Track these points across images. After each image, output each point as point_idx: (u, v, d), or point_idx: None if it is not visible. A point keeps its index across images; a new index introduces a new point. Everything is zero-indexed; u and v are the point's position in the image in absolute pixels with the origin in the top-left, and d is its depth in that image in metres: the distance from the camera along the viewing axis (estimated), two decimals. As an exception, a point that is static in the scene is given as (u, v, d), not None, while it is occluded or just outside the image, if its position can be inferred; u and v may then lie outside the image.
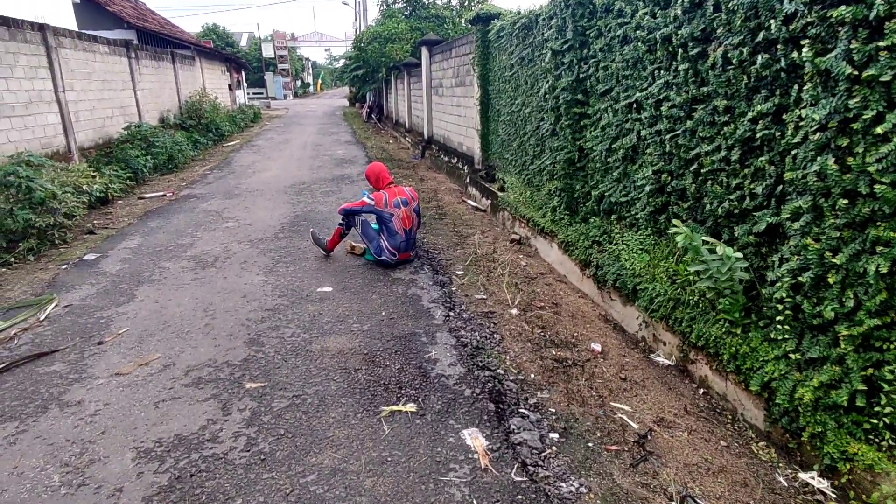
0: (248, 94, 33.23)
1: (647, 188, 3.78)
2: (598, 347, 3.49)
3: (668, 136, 3.57)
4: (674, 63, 3.49)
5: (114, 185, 7.34)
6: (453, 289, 4.16)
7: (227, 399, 2.62)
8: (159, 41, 17.50)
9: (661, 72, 3.61)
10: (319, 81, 67.42)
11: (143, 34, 16.79)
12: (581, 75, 4.66)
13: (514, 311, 3.86)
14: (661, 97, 3.63)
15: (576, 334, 3.66)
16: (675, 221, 3.07)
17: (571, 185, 4.98)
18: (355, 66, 21.45)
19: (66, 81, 8.77)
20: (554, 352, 3.34)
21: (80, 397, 2.68)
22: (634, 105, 3.96)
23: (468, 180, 8.34)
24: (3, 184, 5.13)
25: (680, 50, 3.36)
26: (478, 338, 3.34)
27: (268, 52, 44.99)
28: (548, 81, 5.21)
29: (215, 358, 3.02)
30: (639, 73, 3.90)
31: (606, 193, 4.41)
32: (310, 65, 67.61)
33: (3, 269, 4.64)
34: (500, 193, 6.80)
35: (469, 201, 7.71)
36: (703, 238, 2.96)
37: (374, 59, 18.78)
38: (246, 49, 45.94)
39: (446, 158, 10.34)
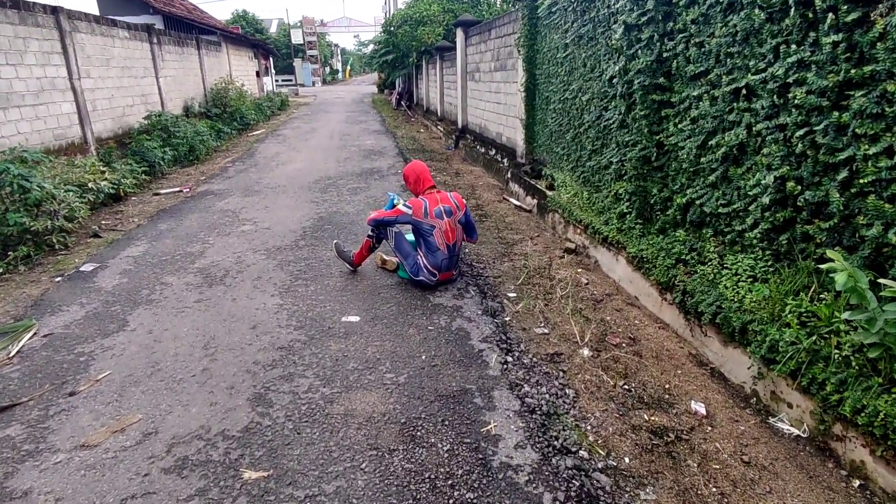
0: (277, 80, 32.82)
1: (765, 199, 2.93)
2: (701, 409, 2.68)
3: (798, 132, 2.71)
4: (813, 34, 2.62)
5: (127, 180, 6.78)
6: (507, 319, 3.39)
7: (218, 499, 1.92)
8: (185, 26, 17.03)
9: (791, 47, 2.74)
10: (348, 68, 66.86)
11: (169, 19, 16.33)
12: (664, 54, 3.79)
13: (586, 352, 3.08)
14: (788, 80, 2.77)
15: (667, 386, 2.86)
16: (830, 253, 2.23)
17: (645, 187, 4.14)
18: (385, 50, 20.64)
19: (82, 68, 8.25)
20: (646, 416, 2.56)
21: (28, 484, 2.03)
22: (744, 91, 3.10)
23: (509, 175, 7.52)
24: (-5, 183, 4.57)
25: (829, 15, 2.49)
26: (546, 397, 2.57)
27: (297, 38, 44.54)
28: (618, 63, 4.35)
29: (209, 425, 2.33)
30: (752, 51, 3.03)
31: (697, 201, 3.56)
32: (339, 51, 67.10)
33: (-9, 282, 4.08)
34: (548, 192, 5.97)
35: (511, 199, 6.90)
36: (881, 281, 2.11)
37: (405, 44, 17.94)
38: (275, 35, 45.58)
39: (482, 150, 9.52)
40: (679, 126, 3.71)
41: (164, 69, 11.60)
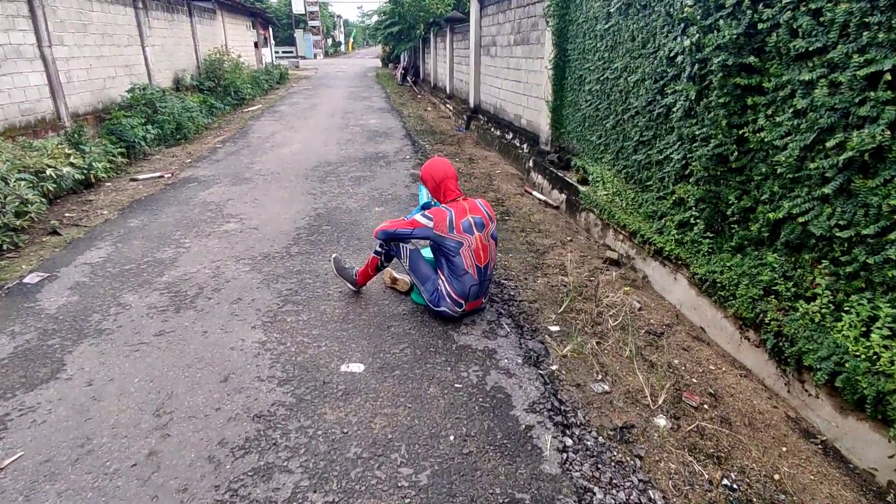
0: (277, 52, 31.56)
1: (924, 228, 2.14)
2: (835, 520, 1.94)
3: None
4: None
5: (99, 163, 5.96)
6: (554, 368, 2.63)
7: None
8: (177, -9, 15.91)
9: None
10: (351, 40, 65.03)
11: (159, -17, 15.20)
12: (758, 25, 2.95)
13: (662, 423, 2.33)
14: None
15: (776, 476, 2.13)
16: None
17: (718, 193, 3.35)
18: (390, 21, 19.51)
19: (54, 34, 7.36)
20: (766, 538, 1.81)
21: None
22: (887, 77, 2.28)
23: (531, 164, 6.69)
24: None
25: None
26: (630, 511, 1.83)
27: (298, 7, 42.95)
28: (687, 37, 3.51)
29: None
30: (906, 20, 2.21)
31: (798, 217, 2.76)
32: (341, 22, 65.15)
33: (-85, 295, 3.31)
34: (580, 187, 5.17)
35: (535, 193, 6.10)
36: None
37: (412, 14, 16.86)
38: (276, 4, 43.93)
39: (498, 133, 8.66)
40: (775, 119, 2.90)
41: (152, 37, 10.66)
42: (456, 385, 2.42)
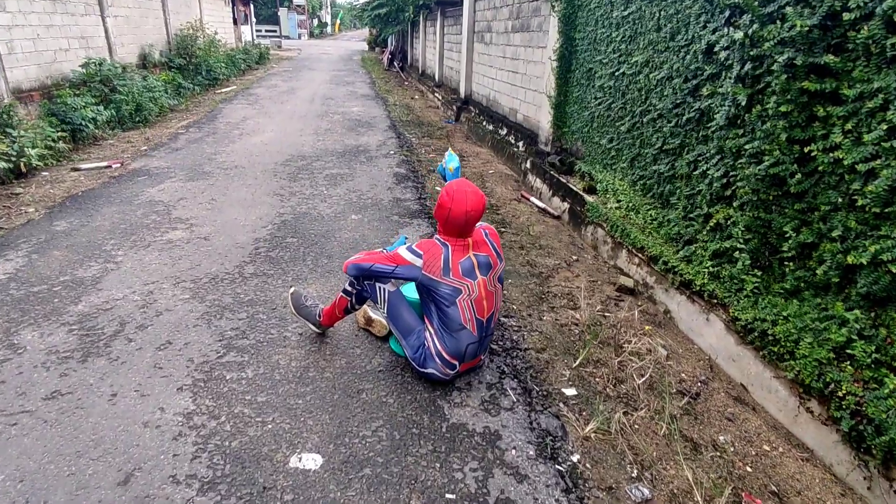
0: (259, 31, 30.29)
1: None
2: None
3: None
4: None
5: (33, 149, 5.14)
6: (576, 461, 1.98)
7: None
8: (148, -40, 14.78)
9: None
10: (338, 21, 63.21)
11: (128, -50, 14.07)
12: (843, 16, 2.32)
13: (725, 552, 1.71)
14: None
15: None
16: None
17: (770, 222, 2.74)
18: (377, 3, 18.60)
19: (-8, -1, 6.46)
20: None
21: None
22: None
23: (528, 165, 6.03)
24: None
25: None
26: None
27: (282, -15, 41.32)
28: (733, 28, 2.87)
29: None
30: None
31: (889, 263, 2.16)
32: (328, 2, 63.29)
33: None
34: (587, 197, 4.54)
35: (532, 199, 5.46)
36: None
37: (401, -4, 15.97)
38: (259, -19, 42.20)
39: (491, 127, 7.97)
40: (857, 136, 2.28)
41: (114, 6, 9.69)
42: (447, 496, 1.76)
